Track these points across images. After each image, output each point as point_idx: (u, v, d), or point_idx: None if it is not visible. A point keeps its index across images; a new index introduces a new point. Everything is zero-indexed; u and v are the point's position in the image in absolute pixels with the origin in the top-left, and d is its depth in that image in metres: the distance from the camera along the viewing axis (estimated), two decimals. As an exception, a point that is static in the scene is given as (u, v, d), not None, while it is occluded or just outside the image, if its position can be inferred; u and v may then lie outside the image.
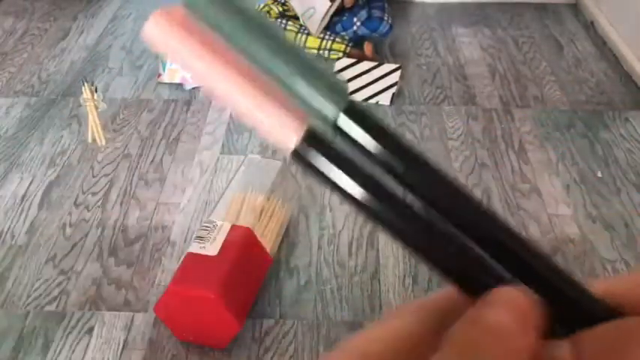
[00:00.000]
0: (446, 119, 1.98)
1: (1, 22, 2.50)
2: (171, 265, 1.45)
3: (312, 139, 0.22)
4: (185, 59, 0.23)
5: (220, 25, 0.22)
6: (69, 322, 1.32)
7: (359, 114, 0.23)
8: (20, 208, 1.60)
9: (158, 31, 0.22)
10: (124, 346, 1.27)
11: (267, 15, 2.30)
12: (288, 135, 0.22)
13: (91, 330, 1.30)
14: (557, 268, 0.22)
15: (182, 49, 0.22)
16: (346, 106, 0.24)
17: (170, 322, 1.26)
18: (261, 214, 1.40)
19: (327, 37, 2.26)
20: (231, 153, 1.81)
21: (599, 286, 0.22)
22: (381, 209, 0.24)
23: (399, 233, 0.24)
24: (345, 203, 0.25)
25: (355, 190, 0.25)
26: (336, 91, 0.23)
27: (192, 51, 0.23)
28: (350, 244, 1.52)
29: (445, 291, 0.23)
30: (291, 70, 0.23)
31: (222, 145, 1.84)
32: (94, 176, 1.72)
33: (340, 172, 0.25)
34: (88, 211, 1.60)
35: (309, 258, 1.48)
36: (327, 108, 0.24)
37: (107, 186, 1.68)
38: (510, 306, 0.20)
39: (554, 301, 0.22)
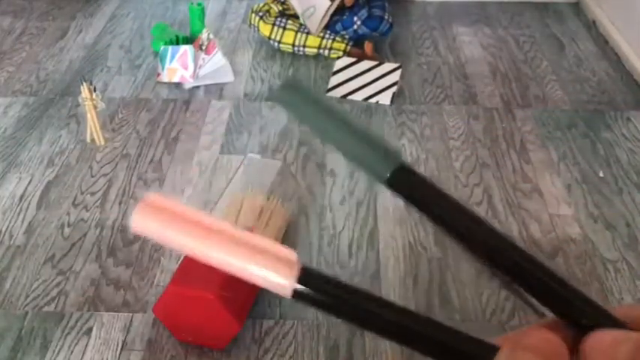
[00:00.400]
0: (447, 119, 1.97)
1: (0, 21, 2.49)
2: (170, 265, 1.44)
3: (307, 277, 0.25)
4: (173, 240, 0.25)
5: (305, 116, 0.27)
6: (67, 322, 1.31)
7: (409, 172, 0.29)
8: (18, 208, 1.59)
9: (144, 221, 0.25)
10: (122, 346, 1.26)
11: (268, 14, 2.29)
12: (285, 279, 0.25)
13: (89, 330, 1.30)
14: (587, 297, 0.28)
15: (168, 232, 0.25)
16: (397, 167, 0.29)
17: (169, 323, 1.25)
18: (261, 214, 1.39)
19: (327, 36, 2.25)
20: (231, 153, 1.80)
21: (619, 310, 0.27)
22: (384, 325, 0.30)
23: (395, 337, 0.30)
24: (355, 326, 0.29)
25: (356, 313, 0.31)
26: (388, 154, 0.29)
27: (177, 231, 0.25)
28: (350, 245, 1.51)
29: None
30: (355, 141, 0.30)
31: (222, 144, 1.83)
32: (92, 176, 1.71)
33: (340, 299, 0.30)
34: (87, 211, 1.59)
35: (309, 258, 1.47)
36: (381, 167, 0.29)
37: (106, 186, 1.67)
38: None
39: (582, 325, 0.27)
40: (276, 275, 0.27)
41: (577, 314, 0.28)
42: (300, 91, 0.29)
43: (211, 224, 0.27)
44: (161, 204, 0.27)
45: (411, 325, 0.31)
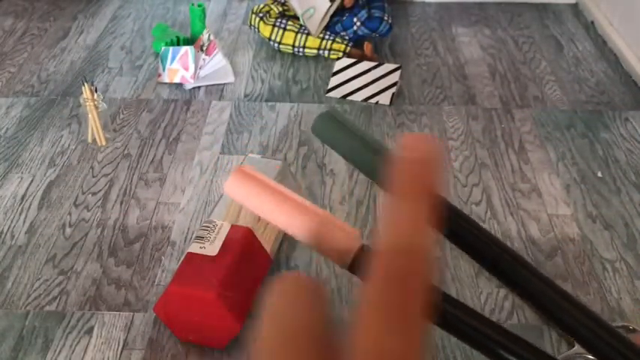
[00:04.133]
0: (446, 119, 1.98)
1: (1, 22, 2.50)
2: (171, 265, 1.45)
3: (366, 253, 0.28)
4: (258, 204, 0.30)
5: (342, 148, 0.30)
6: (69, 322, 1.32)
7: (453, 211, 0.33)
8: (20, 208, 1.60)
9: (235, 186, 0.30)
10: (123, 346, 1.27)
11: (268, 15, 2.30)
12: (346, 251, 0.28)
13: (90, 330, 1.30)
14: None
15: (255, 196, 0.30)
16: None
17: (170, 322, 1.26)
18: (261, 214, 1.39)
19: (327, 37, 2.25)
20: (231, 153, 1.81)
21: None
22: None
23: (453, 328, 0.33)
24: None
25: None
26: None
27: (260, 197, 0.30)
28: (350, 244, 1.52)
29: None
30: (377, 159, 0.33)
31: (222, 144, 1.84)
32: (93, 176, 1.71)
33: None
34: (88, 211, 1.60)
35: (309, 258, 1.48)
36: None
37: (107, 186, 1.68)
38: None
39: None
40: (339, 246, 0.30)
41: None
42: (337, 123, 0.31)
43: (289, 195, 0.31)
44: (250, 174, 0.32)
45: (450, 312, 0.33)
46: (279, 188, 0.31)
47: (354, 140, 0.33)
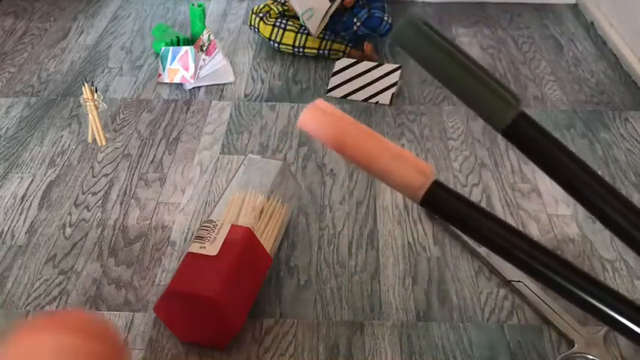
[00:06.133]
0: (446, 119, 1.98)
1: (1, 22, 2.50)
2: (171, 265, 1.45)
3: (439, 189, 0.27)
4: (333, 137, 0.30)
5: (424, 58, 0.29)
6: (69, 322, 1.32)
7: (529, 121, 0.31)
8: (20, 208, 1.60)
9: (310, 120, 0.30)
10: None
11: (268, 15, 2.30)
12: (419, 186, 0.27)
13: (90, 330, 1.30)
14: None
15: (330, 129, 0.29)
16: (516, 115, 0.30)
17: (169, 322, 1.26)
18: (261, 214, 1.40)
19: (327, 37, 2.26)
20: (231, 153, 1.81)
21: None
22: (503, 241, 0.33)
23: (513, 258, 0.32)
24: (474, 240, 0.31)
25: (479, 228, 0.33)
26: (508, 101, 0.29)
27: (334, 131, 0.30)
28: (350, 244, 1.52)
29: None
30: (474, 86, 0.31)
31: (222, 145, 1.84)
32: (94, 176, 1.72)
33: (466, 212, 0.32)
34: (88, 211, 1.60)
35: (309, 258, 1.48)
36: (500, 115, 0.31)
37: (107, 186, 1.68)
38: None
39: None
40: (413, 180, 0.29)
41: None
42: (420, 31, 0.29)
43: (364, 130, 0.31)
44: (325, 109, 0.32)
45: (524, 250, 0.33)
46: (353, 123, 0.31)
47: (442, 54, 0.31)
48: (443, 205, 0.29)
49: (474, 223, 0.31)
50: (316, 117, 0.31)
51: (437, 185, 0.28)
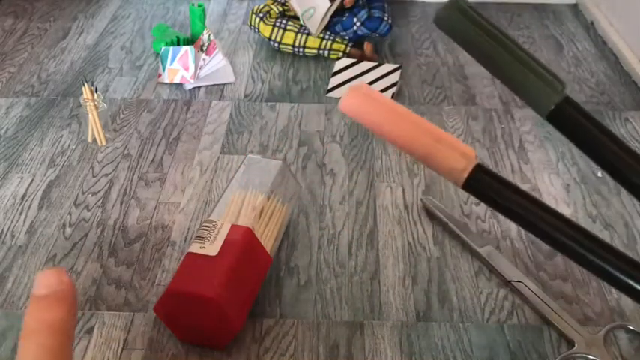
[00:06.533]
0: (446, 119, 1.98)
1: (1, 22, 2.50)
2: (171, 265, 1.45)
3: (481, 172, 0.27)
4: (374, 120, 0.30)
5: (467, 41, 0.28)
6: (69, 322, 1.32)
7: (573, 106, 0.31)
8: (20, 208, 1.60)
9: (351, 102, 0.30)
10: (123, 345, 1.27)
11: (268, 15, 2.30)
12: (462, 169, 0.27)
13: (90, 330, 1.30)
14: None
15: (372, 112, 0.29)
16: (561, 100, 0.30)
17: (169, 322, 1.26)
18: (261, 214, 1.39)
19: (327, 37, 2.26)
20: (231, 153, 1.81)
21: None
22: (543, 224, 0.33)
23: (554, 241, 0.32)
24: (521, 227, 0.31)
25: (520, 212, 0.33)
26: (553, 86, 0.30)
27: (379, 112, 0.30)
28: (350, 244, 1.52)
29: None
30: (518, 70, 0.31)
31: (222, 145, 1.84)
32: (94, 176, 1.72)
33: (510, 197, 0.32)
34: (88, 211, 1.60)
35: (309, 258, 1.48)
36: (544, 100, 0.31)
37: (107, 186, 1.68)
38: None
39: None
40: (455, 164, 0.29)
41: None
42: (464, 13, 0.28)
43: (405, 113, 0.30)
44: (367, 91, 0.32)
45: (577, 240, 0.33)
46: (395, 106, 0.31)
47: (487, 37, 0.30)
48: (486, 189, 0.29)
49: (519, 209, 0.31)
50: (358, 100, 0.30)
51: (480, 169, 0.28)
